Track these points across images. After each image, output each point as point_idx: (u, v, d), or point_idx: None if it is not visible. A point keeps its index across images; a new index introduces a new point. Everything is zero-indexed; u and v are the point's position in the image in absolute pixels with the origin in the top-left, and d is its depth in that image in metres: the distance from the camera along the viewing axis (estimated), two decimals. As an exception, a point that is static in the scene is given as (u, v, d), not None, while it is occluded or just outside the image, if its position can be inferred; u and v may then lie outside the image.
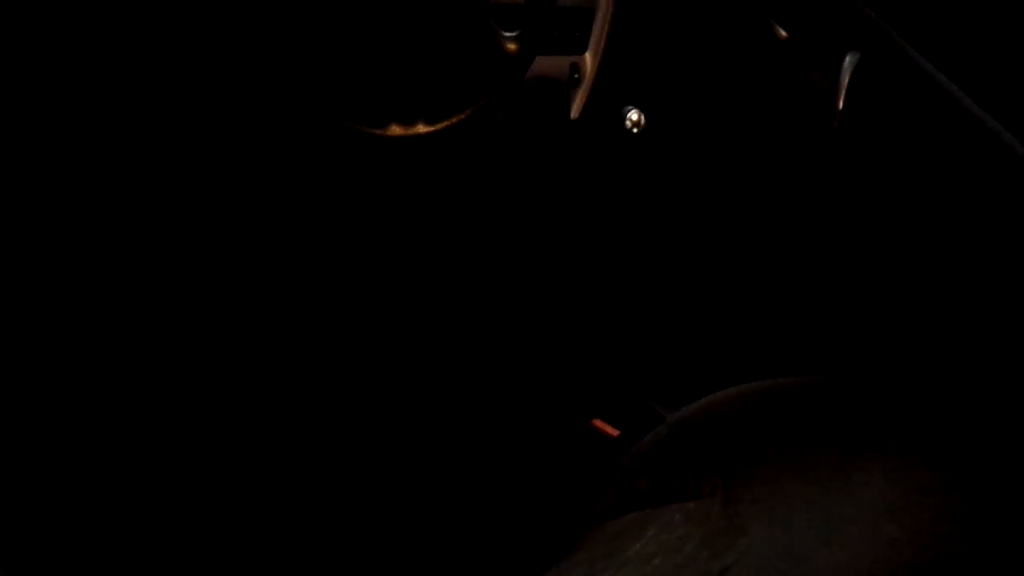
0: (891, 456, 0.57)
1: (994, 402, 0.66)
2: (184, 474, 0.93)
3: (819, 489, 0.55)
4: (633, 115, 0.90)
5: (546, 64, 0.87)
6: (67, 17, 0.78)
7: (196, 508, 0.92)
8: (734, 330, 1.10)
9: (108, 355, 0.91)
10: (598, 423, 0.94)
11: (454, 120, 0.68)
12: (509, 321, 1.04)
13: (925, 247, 1.00)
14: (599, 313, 1.08)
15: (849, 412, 0.63)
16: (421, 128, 0.67)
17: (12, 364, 0.86)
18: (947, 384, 0.67)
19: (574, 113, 0.90)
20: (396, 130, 0.66)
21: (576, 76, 0.89)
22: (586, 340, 1.07)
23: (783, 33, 1.09)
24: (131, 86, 0.83)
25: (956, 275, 0.95)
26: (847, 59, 1.06)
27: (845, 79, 1.07)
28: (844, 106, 1.06)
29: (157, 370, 0.93)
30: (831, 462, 0.58)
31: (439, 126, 0.67)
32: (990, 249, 0.96)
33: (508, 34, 0.69)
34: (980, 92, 1.00)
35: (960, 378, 0.81)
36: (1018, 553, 0.51)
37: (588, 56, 0.89)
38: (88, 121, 0.85)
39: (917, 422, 0.61)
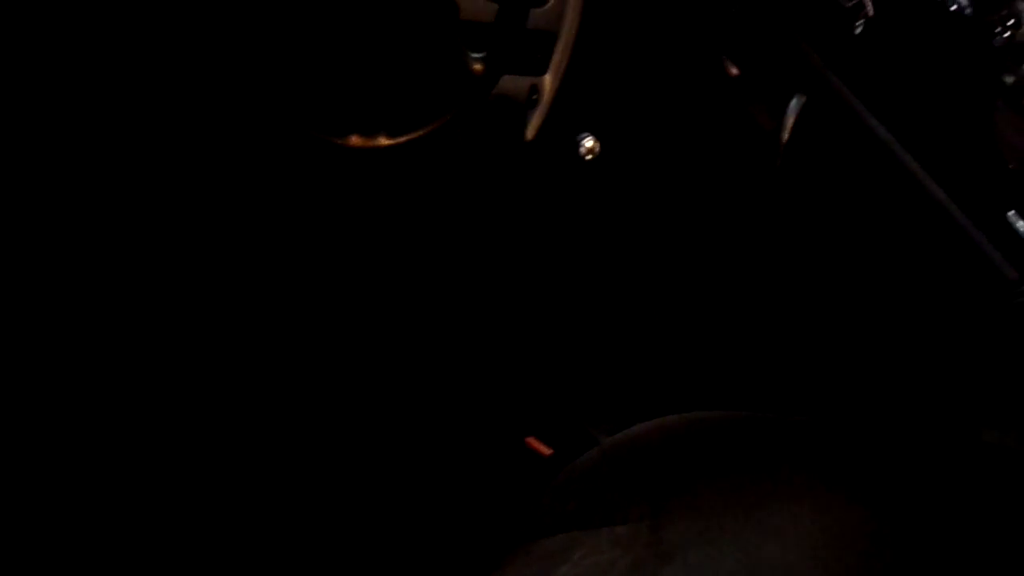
0: (818, 496, 0.59)
1: (921, 446, 0.69)
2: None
3: (745, 524, 0.58)
4: (588, 142, 0.91)
5: (506, 83, 0.88)
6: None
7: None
8: (674, 358, 1.13)
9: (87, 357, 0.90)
10: (532, 441, 0.95)
11: (415, 135, 0.68)
12: (450, 335, 1.05)
13: (857, 289, 1.04)
14: (539, 332, 1.09)
15: (781, 449, 0.66)
16: (382, 141, 0.67)
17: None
18: (878, 426, 0.70)
19: (529, 134, 0.91)
20: (356, 141, 0.67)
21: (534, 98, 0.91)
22: (525, 358, 1.09)
23: (734, 70, 1.13)
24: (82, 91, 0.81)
25: (884, 315, 1.00)
26: (793, 101, 1.10)
27: (790, 120, 1.11)
28: (786, 146, 1.11)
29: (130, 373, 0.92)
30: (759, 497, 0.60)
31: (400, 140, 0.68)
32: (914, 290, 1.01)
33: (476, 55, 0.69)
34: (912, 140, 1.05)
35: (891, 420, 0.85)
36: None
37: (548, 78, 0.91)
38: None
39: (846, 462, 0.64)
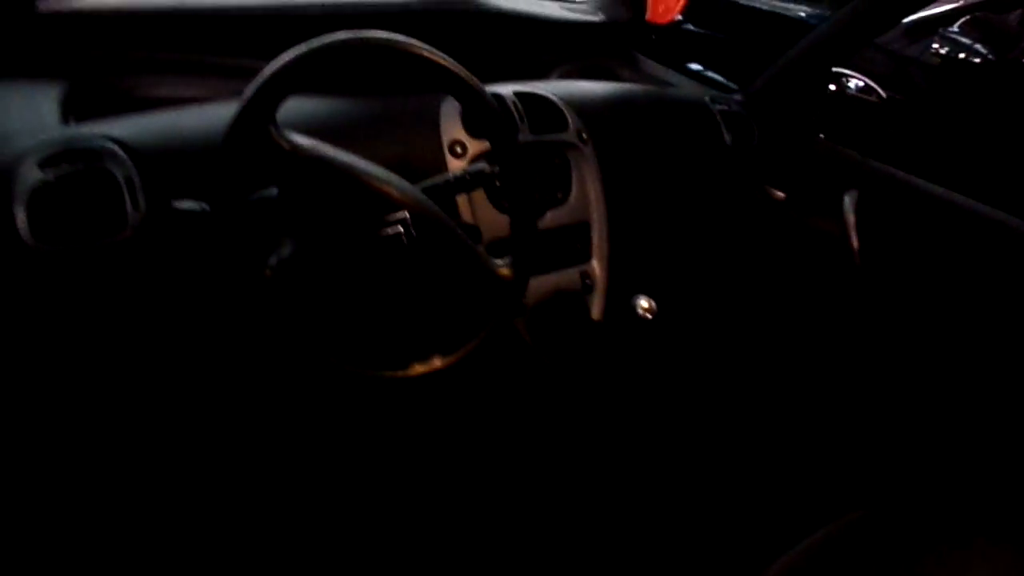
0: None
1: None
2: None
3: None
4: (643, 303, 0.94)
5: (557, 279, 0.93)
6: None
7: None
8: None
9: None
10: None
11: (469, 348, 0.74)
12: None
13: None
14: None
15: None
16: (438, 363, 0.73)
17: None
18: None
19: (595, 315, 0.95)
20: (418, 369, 0.72)
21: (588, 282, 0.96)
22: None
23: (780, 194, 1.16)
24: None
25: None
26: (846, 199, 1.11)
27: (851, 218, 1.11)
28: (860, 242, 1.09)
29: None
30: None
31: (455, 357, 0.73)
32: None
33: (500, 261, 0.76)
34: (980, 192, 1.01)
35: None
36: None
37: (595, 262, 0.96)
38: None
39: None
